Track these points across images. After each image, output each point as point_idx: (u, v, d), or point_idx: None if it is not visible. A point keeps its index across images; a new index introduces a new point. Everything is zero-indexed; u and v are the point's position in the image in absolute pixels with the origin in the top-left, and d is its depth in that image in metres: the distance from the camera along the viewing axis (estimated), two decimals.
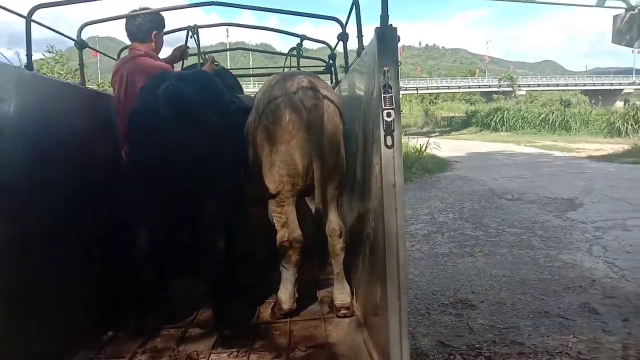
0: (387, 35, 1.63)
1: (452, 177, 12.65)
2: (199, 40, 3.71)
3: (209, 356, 2.11)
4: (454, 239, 6.57)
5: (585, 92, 65.00)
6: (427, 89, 66.69)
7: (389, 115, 1.59)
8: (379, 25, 1.67)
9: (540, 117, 33.71)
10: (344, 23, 3.11)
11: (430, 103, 64.04)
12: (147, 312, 2.50)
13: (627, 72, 71.56)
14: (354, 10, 2.66)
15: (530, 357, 3.33)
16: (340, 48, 4.08)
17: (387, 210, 1.68)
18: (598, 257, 5.43)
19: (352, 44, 3.61)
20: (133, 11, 3.21)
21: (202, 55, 3.92)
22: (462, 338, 3.67)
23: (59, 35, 3.16)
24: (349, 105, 2.54)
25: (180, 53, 3.66)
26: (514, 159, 16.85)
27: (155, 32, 3.18)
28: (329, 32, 4.44)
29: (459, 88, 67.29)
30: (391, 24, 1.65)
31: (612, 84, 66.04)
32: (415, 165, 13.68)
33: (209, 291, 2.79)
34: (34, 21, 2.51)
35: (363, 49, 2.38)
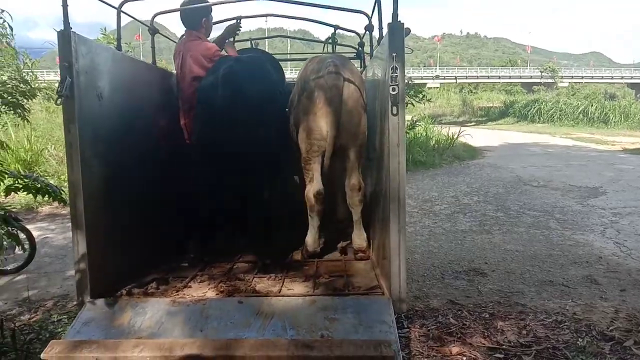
0: (396, 29, 2.10)
1: (481, 164, 12.84)
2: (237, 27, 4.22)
3: (253, 279, 2.66)
4: (475, 218, 6.92)
5: (631, 86, 62.48)
6: (467, 78, 65.64)
7: (394, 89, 2.06)
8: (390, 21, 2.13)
9: (579, 110, 33.05)
10: (370, 15, 3.57)
11: (469, 93, 63.13)
12: (203, 250, 3.07)
13: None
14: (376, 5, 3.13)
15: (529, 315, 3.70)
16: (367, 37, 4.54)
17: (392, 163, 2.17)
18: (610, 238, 5.72)
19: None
20: (183, 4, 3.70)
21: (251, 42, 4.44)
22: (470, 298, 4.09)
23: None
24: (372, 86, 3.03)
25: (233, 29, 3.99)
26: (546, 150, 16.79)
27: (204, 18, 3.68)
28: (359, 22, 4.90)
29: (499, 78, 65.85)
30: (399, 21, 2.12)
31: None
32: (447, 152, 13.94)
33: (251, 237, 3.35)
34: (123, 12, 3.08)
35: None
